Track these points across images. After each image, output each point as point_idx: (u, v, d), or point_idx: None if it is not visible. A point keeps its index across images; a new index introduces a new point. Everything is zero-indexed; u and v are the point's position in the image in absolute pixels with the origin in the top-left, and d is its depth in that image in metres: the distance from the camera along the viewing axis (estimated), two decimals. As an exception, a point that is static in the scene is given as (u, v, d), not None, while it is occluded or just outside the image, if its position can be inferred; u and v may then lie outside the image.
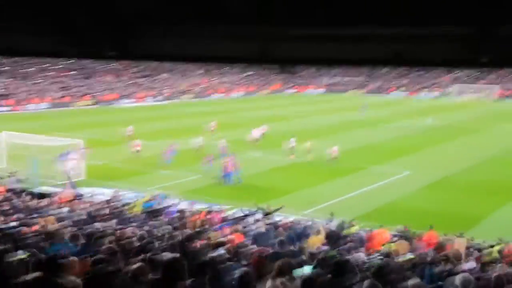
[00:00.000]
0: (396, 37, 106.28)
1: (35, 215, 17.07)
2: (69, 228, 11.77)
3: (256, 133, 42.99)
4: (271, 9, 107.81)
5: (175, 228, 16.51)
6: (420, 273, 9.80)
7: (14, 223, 11.25)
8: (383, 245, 16.18)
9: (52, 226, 12.12)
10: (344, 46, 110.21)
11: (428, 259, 10.75)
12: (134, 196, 25.22)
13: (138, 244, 8.79)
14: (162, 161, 33.16)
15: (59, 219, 15.63)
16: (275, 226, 18.45)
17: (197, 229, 16.23)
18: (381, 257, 11.50)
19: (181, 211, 21.57)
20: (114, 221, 17.40)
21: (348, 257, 10.50)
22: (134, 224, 17.32)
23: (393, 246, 15.66)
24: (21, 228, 9.63)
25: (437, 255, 10.36)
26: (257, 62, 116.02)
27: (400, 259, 11.31)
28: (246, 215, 20.40)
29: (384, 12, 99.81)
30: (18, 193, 23.72)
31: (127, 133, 42.19)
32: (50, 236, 8.79)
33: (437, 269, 9.85)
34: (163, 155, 33.32)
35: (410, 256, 11.60)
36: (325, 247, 14.46)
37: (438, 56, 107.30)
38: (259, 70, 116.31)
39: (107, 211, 20.09)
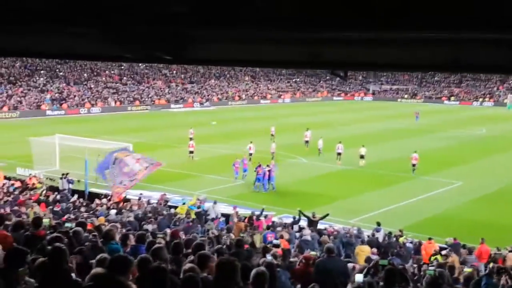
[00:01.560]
0: (453, 40, 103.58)
1: (85, 215, 17.57)
2: (119, 229, 12.05)
3: (308, 135, 43.39)
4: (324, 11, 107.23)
5: (222, 232, 16.66)
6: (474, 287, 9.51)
7: (68, 224, 11.60)
8: (432, 256, 15.84)
9: (103, 226, 12.44)
10: (397, 51, 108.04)
11: (482, 273, 10.42)
12: (180, 199, 25.65)
13: (188, 245, 8.92)
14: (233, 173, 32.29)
15: (108, 221, 16.03)
16: (320, 233, 18.35)
17: (242, 234, 16.34)
18: (434, 268, 11.23)
19: (227, 216, 21.78)
20: (163, 223, 17.69)
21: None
22: (180, 227, 17.59)
23: (441, 258, 15.33)
24: (75, 227, 9.94)
25: (493, 269, 10.00)
26: (307, 66, 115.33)
27: (453, 271, 11.02)
28: (292, 222, 20.35)
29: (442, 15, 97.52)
30: (70, 194, 24.49)
31: (189, 135, 42.73)
32: (103, 235, 9.02)
33: (493, 283, 9.51)
34: (233, 167, 32.12)
35: (466, 269, 11.30)
36: (375, 257, 14.26)
37: (495, 63, 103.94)
38: (307, 76, 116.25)
39: (154, 213, 20.47)
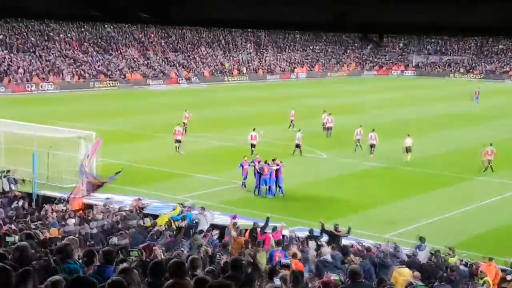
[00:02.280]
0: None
1: (33, 226, 17.65)
2: (79, 243, 12.11)
3: (327, 119, 44.39)
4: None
5: (216, 250, 16.75)
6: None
7: (11, 238, 11.67)
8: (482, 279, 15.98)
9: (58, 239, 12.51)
10: (450, 10, 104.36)
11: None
12: (161, 207, 25.69)
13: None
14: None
15: (66, 232, 16.11)
16: (344, 252, 18.41)
17: (243, 252, 16.41)
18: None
19: (221, 228, 21.85)
20: (137, 237, 17.76)
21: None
22: (160, 241, 17.67)
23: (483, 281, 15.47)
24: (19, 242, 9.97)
25: None
26: (331, 29, 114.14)
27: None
28: (308, 237, 20.42)
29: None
30: (13, 197, 24.55)
31: (183, 119, 43.22)
32: (58, 252, 9.07)
33: None
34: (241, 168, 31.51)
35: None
36: (417, 282, 14.34)
37: None
38: (329, 43, 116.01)
39: (125, 223, 20.55)
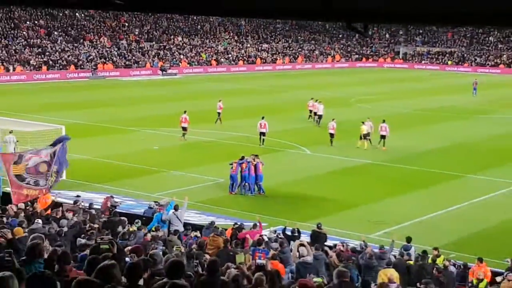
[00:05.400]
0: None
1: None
2: (45, 243, 12.04)
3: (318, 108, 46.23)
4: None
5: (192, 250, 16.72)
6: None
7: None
8: (472, 282, 16.16)
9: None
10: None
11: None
12: (134, 205, 25.65)
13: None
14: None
15: (30, 231, 15.99)
16: (327, 253, 18.45)
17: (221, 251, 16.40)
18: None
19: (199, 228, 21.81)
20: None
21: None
22: (132, 240, 17.63)
23: (483, 284, 15.60)
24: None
25: None
26: (316, 17, 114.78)
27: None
28: (290, 237, 20.44)
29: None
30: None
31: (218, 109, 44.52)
32: (27, 252, 9.02)
33: None
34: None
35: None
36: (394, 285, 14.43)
37: None
38: (313, 33, 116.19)
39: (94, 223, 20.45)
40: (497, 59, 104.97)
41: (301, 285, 10.17)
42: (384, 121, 39.56)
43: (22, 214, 21.05)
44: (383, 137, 38.96)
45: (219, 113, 46.11)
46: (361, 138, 38.76)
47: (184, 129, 39.78)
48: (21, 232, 16.05)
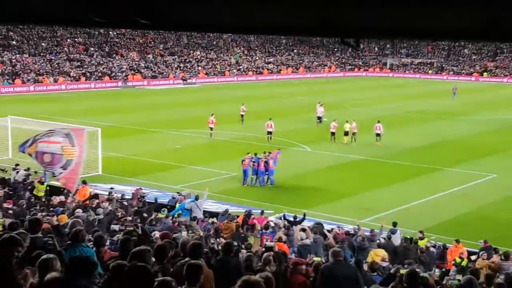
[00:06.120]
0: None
1: (44, 213, 17.57)
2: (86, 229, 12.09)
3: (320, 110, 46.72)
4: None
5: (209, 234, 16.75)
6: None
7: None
8: (455, 260, 16.08)
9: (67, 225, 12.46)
10: (423, 11, 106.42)
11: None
12: (161, 195, 25.69)
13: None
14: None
15: (75, 218, 16.03)
16: (325, 236, 18.46)
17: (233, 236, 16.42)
18: (461, 276, 11.36)
19: (215, 215, 21.85)
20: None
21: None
22: (159, 226, 17.66)
23: (464, 262, 15.55)
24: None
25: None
26: (314, 33, 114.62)
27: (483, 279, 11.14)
28: (293, 222, 20.44)
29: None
30: (25, 189, 24.43)
31: (241, 112, 45.34)
32: (71, 237, 9.05)
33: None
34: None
35: (499, 280, 11.42)
36: (385, 263, 14.40)
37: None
38: (312, 47, 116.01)
39: (127, 211, 20.52)
40: (471, 69, 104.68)
41: (293, 263, 10.24)
42: (378, 121, 40.12)
43: (69, 204, 21.14)
44: (378, 135, 39.55)
45: (242, 115, 46.28)
46: (345, 134, 39.48)
47: (211, 129, 40.20)
48: (65, 219, 16.15)
